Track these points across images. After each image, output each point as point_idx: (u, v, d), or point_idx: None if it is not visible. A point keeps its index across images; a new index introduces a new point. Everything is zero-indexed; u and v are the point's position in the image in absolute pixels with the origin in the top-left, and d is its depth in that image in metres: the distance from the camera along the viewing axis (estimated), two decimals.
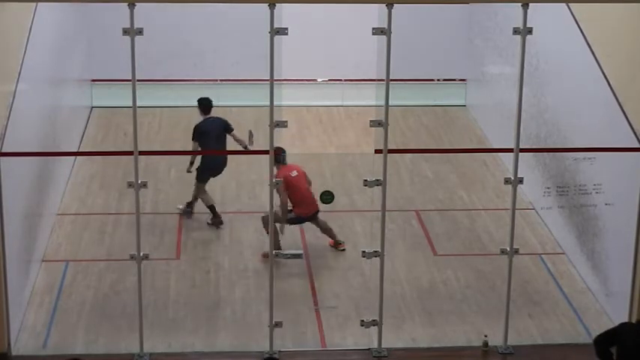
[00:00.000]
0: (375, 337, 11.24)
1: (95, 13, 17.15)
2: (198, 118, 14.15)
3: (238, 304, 12.17)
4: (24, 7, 12.29)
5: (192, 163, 13.95)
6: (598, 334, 9.79)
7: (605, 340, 9.46)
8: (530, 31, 10.56)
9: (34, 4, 12.50)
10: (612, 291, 11.98)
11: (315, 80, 18.65)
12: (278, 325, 11.08)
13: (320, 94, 18.59)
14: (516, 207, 11.20)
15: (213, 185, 15.20)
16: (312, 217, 13.24)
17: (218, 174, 14.21)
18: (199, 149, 13.80)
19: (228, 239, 13.69)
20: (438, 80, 18.94)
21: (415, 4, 16.38)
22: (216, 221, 13.98)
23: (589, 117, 12.59)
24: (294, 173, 12.99)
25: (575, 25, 12.72)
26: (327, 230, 13.39)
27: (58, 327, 11.60)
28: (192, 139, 13.92)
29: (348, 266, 13.02)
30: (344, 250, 13.34)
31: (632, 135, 11.38)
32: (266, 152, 11.13)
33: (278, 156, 12.43)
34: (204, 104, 14.14)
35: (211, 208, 14.01)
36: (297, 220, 13.18)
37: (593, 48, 12.35)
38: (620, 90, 11.71)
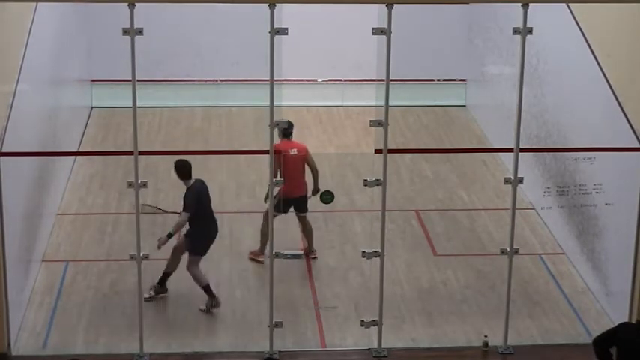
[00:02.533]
0: (375, 337, 11.24)
1: (95, 13, 17.15)
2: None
3: (238, 304, 12.16)
4: (24, 7, 12.29)
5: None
6: (597, 334, 9.79)
7: (605, 341, 9.45)
8: (530, 31, 10.56)
9: (34, 4, 12.51)
10: (612, 291, 11.98)
11: (315, 80, 18.65)
12: (278, 325, 11.08)
13: (320, 94, 18.59)
14: (516, 207, 11.20)
15: (212, 186, 15.19)
16: (298, 203, 12.87)
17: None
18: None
19: (228, 239, 13.68)
20: (438, 80, 18.94)
21: (415, 4, 16.38)
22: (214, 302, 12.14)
23: (589, 117, 12.59)
24: (293, 151, 12.74)
25: (575, 25, 12.72)
26: (307, 233, 13.14)
27: (58, 327, 11.60)
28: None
29: (348, 266, 13.02)
30: (315, 258, 13.13)
31: (632, 135, 11.38)
32: (266, 152, 11.14)
33: (285, 130, 12.35)
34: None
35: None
36: (284, 205, 12.38)
37: (593, 48, 12.35)
38: (619, 90, 11.71)
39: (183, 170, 11.92)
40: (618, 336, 9.39)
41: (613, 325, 11.36)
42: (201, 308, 11.96)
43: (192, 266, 11.99)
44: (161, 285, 12.20)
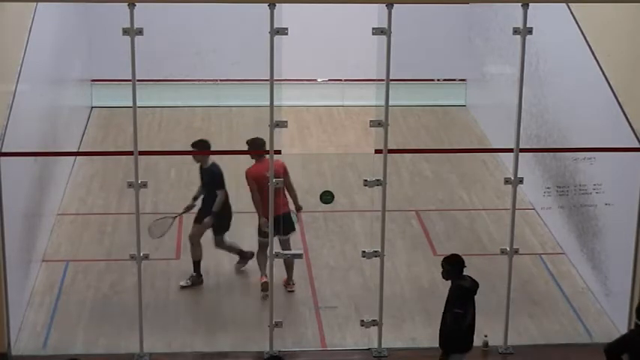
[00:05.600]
0: (375, 337, 11.25)
1: (95, 13, 17.15)
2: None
3: (238, 304, 12.16)
4: (24, 7, 12.29)
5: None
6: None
7: (616, 347, 9.36)
8: (530, 31, 10.57)
9: (34, 4, 12.51)
10: (612, 291, 11.98)
11: (315, 80, 18.65)
12: (278, 325, 11.08)
13: (320, 94, 18.60)
14: (516, 207, 11.21)
15: None
16: (284, 221, 11.94)
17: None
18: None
19: (228, 239, 13.67)
20: (438, 80, 18.94)
21: (415, 4, 16.39)
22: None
23: (589, 117, 12.59)
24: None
25: (575, 25, 12.73)
26: (289, 262, 12.25)
27: (58, 327, 11.60)
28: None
29: (348, 266, 13.02)
30: (292, 291, 12.39)
31: (632, 135, 11.38)
32: (266, 152, 11.14)
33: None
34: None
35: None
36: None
37: (593, 48, 12.35)
38: (620, 90, 11.72)
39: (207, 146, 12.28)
40: (629, 342, 9.31)
41: (613, 325, 11.41)
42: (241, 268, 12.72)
43: (221, 243, 12.68)
44: (198, 275, 12.54)
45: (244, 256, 12.90)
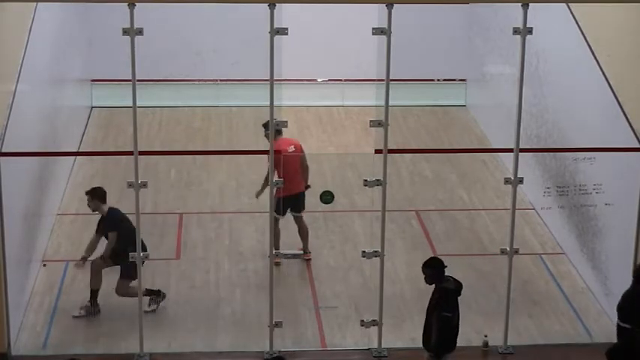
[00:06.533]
0: (375, 337, 11.24)
1: (95, 13, 17.15)
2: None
3: (238, 304, 12.16)
4: (24, 7, 12.29)
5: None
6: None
7: (619, 351, 9.34)
8: (530, 31, 10.57)
9: (34, 4, 12.51)
10: (612, 291, 11.97)
11: (315, 80, 18.65)
12: (278, 325, 11.08)
13: (320, 94, 18.59)
14: (516, 207, 11.20)
15: (212, 186, 15.21)
16: (296, 201, 12.86)
17: None
18: None
19: (228, 239, 13.69)
20: (438, 80, 18.94)
21: (415, 4, 16.38)
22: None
23: (589, 117, 12.60)
24: (291, 149, 12.77)
25: (575, 25, 12.73)
26: (303, 233, 13.10)
27: (58, 327, 11.60)
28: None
29: (348, 266, 13.02)
30: (309, 259, 13.06)
31: (632, 135, 11.38)
32: (266, 152, 11.14)
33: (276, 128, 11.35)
34: None
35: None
36: (283, 204, 12.16)
37: (593, 48, 12.35)
38: (620, 90, 11.72)
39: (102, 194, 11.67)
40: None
41: (613, 325, 11.37)
42: (147, 310, 11.66)
43: (123, 289, 11.74)
44: (93, 304, 11.82)
45: (155, 293, 11.96)
